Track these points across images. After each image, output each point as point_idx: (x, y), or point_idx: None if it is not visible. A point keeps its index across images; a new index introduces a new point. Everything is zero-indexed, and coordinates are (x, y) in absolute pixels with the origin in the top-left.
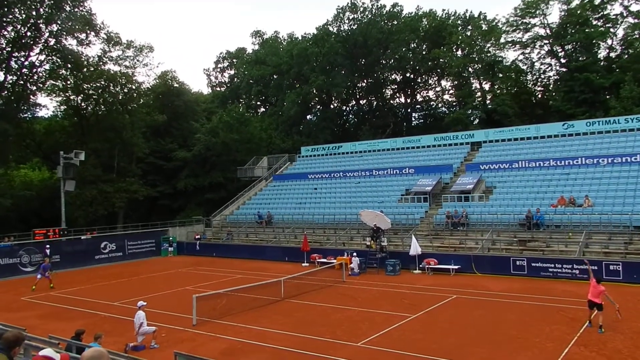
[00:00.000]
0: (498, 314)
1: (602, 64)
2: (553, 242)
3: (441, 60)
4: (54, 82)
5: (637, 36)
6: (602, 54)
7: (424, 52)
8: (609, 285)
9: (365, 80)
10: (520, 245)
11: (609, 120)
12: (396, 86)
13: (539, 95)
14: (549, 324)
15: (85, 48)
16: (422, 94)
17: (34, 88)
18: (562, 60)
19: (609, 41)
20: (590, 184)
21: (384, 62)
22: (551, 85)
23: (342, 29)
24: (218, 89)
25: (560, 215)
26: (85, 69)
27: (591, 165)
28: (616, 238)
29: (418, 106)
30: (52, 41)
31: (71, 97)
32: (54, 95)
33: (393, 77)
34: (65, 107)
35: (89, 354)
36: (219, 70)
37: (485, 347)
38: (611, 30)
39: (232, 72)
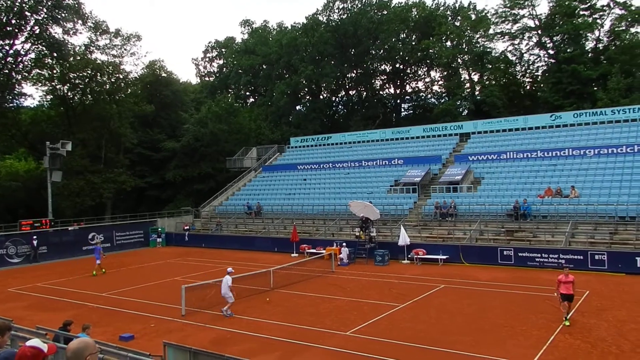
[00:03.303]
0: (485, 303)
1: (589, 55)
2: (540, 232)
3: (430, 51)
4: (40, 71)
5: (624, 28)
6: (589, 45)
7: (413, 43)
8: (594, 275)
9: (354, 71)
10: (507, 235)
11: (596, 112)
12: (386, 77)
13: (528, 87)
14: (535, 313)
15: (71, 37)
16: (411, 84)
17: (19, 77)
18: (551, 52)
19: (597, 32)
20: (576, 174)
21: (373, 52)
22: (539, 77)
23: (331, 18)
24: (207, 78)
25: (547, 206)
26: (71, 58)
27: (578, 156)
28: (601, 228)
29: (407, 97)
30: (37, 29)
31: (57, 87)
32: (40, 84)
33: (382, 67)
34: (52, 96)
35: (75, 344)
36: (207, 60)
37: (472, 335)
38: (598, 21)
39: (221, 61)
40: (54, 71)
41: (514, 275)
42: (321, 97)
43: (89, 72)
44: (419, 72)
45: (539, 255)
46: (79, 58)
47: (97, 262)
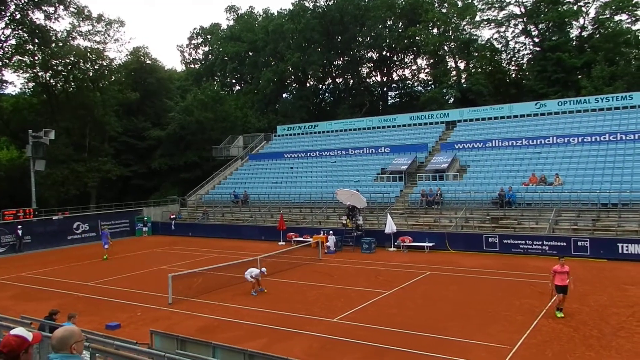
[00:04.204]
0: (470, 289)
1: (574, 43)
2: (524, 220)
3: (417, 38)
4: (21, 58)
5: (608, 15)
6: (574, 33)
7: (400, 30)
8: (577, 261)
9: (341, 58)
10: (492, 222)
11: (580, 100)
12: (372, 64)
13: (513, 75)
14: (519, 298)
15: (53, 22)
16: (398, 72)
17: (0, 64)
18: (536, 40)
19: (581, 20)
20: (560, 162)
21: (360, 39)
22: (525, 65)
23: (318, 4)
24: (192, 66)
25: (531, 194)
26: (53, 44)
27: (562, 144)
28: (584, 215)
29: (394, 85)
30: (18, 15)
31: (39, 74)
32: (21, 71)
33: (369, 55)
34: (34, 84)
35: (61, 332)
36: (192, 46)
37: (458, 320)
38: (583, 9)
39: (207, 48)
40: (36, 58)
41: (499, 262)
42: (308, 84)
43: (72, 58)
44: (406, 60)
45: (524, 242)
46: (61, 44)
47: (105, 247)
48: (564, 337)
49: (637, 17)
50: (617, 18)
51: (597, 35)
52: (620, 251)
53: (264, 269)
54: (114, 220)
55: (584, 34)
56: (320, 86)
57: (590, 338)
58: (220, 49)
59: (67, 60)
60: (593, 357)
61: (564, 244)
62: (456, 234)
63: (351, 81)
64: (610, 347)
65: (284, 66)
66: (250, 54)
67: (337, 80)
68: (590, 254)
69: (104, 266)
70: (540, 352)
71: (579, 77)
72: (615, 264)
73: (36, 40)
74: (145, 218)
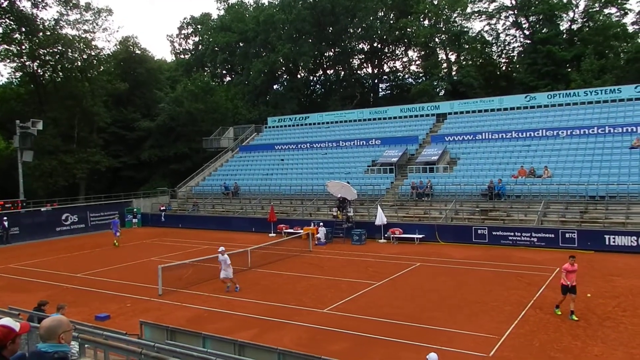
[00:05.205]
0: (460, 280)
1: (564, 36)
2: (513, 212)
3: (408, 30)
4: (8, 47)
5: (598, 8)
6: (564, 26)
7: (391, 22)
8: (565, 253)
9: (332, 50)
10: (482, 214)
11: (569, 93)
12: (363, 56)
13: (503, 67)
14: (508, 289)
15: (40, 11)
16: (389, 64)
17: None
18: (526, 32)
19: (571, 13)
20: (549, 155)
21: (351, 30)
22: (515, 58)
23: None
24: (182, 56)
25: (520, 186)
26: (40, 33)
27: (551, 137)
28: (572, 207)
29: (385, 77)
30: (4, 3)
31: (27, 63)
32: (8, 60)
33: (360, 46)
34: (21, 73)
35: (49, 322)
36: (182, 36)
37: (447, 311)
38: (573, 2)
39: (197, 38)
40: (23, 47)
41: (488, 254)
42: (299, 76)
43: (60, 48)
44: (397, 52)
45: (512, 233)
46: (48, 33)
47: (117, 234)
48: (551, 327)
49: (626, 11)
50: (606, 11)
51: (587, 29)
52: (607, 243)
53: (222, 248)
54: (103, 212)
55: (574, 27)
56: (311, 78)
57: (576, 328)
58: (211, 40)
59: (55, 50)
60: (579, 347)
61: (552, 235)
62: (446, 225)
63: (342, 73)
64: (596, 337)
65: (274, 57)
66: (241, 44)
67: (328, 71)
68: (578, 245)
69: (93, 258)
70: (527, 341)
71: (569, 70)
72: (603, 255)
73: (23, 29)
74: (135, 209)
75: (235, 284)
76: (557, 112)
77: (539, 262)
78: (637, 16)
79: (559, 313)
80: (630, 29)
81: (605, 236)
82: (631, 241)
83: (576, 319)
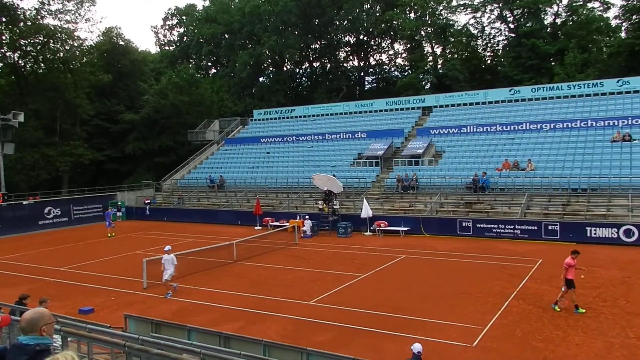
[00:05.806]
0: (444, 272)
1: (548, 30)
2: (497, 204)
3: (394, 22)
4: None
5: (581, 2)
6: (548, 20)
7: (377, 14)
8: (548, 244)
9: (318, 42)
10: (466, 207)
11: (553, 87)
12: (349, 49)
13: (488, 61)
14: (491, 280)
15: (21, 0)
16: (375, 57)
17: None
18: (511, 26)
19: (555, 7)
20: (533, 148)
21: (337, 23)
22: (500, 51)
23: None
24: (167, 48)
25: (504, 179)
26: (21, 23)
27: (535, 130)
28: (555, 200)
29: (371, 70)
30: None
31: (7, 54)
32: None
33: (346, 39)
34: (2, 64)
35: (30, 314)
36: (167, 27)
37: (431, 302)
38: None
39: (182, 30)
40: (3, 37)
41: (472, 246)
42: (285, 68)
43: (41, 38)
44: (383, 44)
45: (496, 226)
46: (29, 23)
47: (111, 226)
48: (533, 317)
49: (609, 5)
50: (589, 5)
51: (570, 23)
52: (588, 235)
53: (168, 247)
54: (87, 205)
55: (558, 20)
56: (297, 70)
57: (558, 318)
58: (196, 31)
59: (37, 40)
60: (560, 336)
61: (535, 227)
62: (431, 218)
63: (328, 65)
64: (577, 327)
65: (260, 49)
66: (226, 36)
67: (314, 64)
68: (560, 237)
69: (77, 251)
70: (510, 331)
71: (553, 63)
72: (584, 247)
73: (3, 19)
74: (119, 203)
75: (171, 285)
76: (540, 106)
77: (522, 254)
78: (620, 10)
79: (558, 309)
80: (613, 23)
81: (586, 228)
82: (612, 233)
83: (583, 310)
